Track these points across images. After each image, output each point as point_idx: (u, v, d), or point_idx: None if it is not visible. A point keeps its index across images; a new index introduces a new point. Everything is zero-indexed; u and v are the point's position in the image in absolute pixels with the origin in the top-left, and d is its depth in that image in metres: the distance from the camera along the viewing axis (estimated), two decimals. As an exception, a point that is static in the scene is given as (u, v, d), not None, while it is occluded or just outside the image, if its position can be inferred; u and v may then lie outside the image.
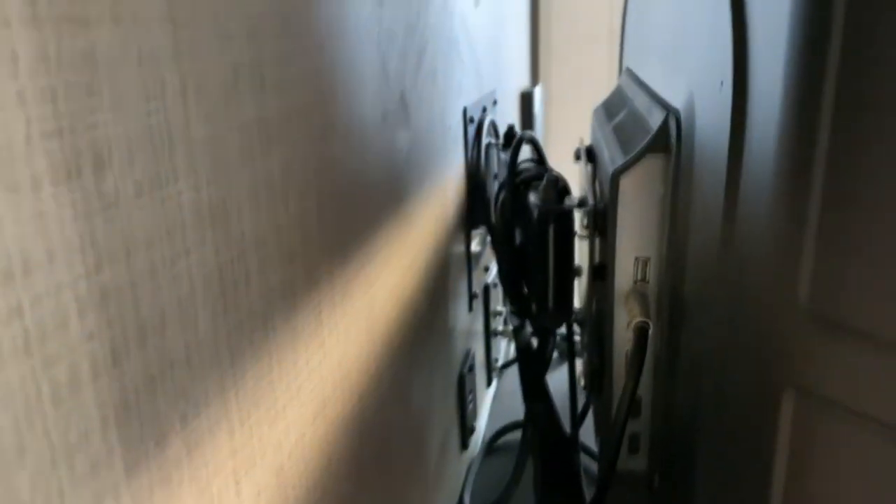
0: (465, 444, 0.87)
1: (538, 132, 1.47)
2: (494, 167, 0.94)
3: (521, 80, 1.46)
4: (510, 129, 0.94)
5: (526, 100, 1.39)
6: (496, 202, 0.80)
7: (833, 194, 0.27)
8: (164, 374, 0.25)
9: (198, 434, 0.27)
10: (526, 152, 0.83)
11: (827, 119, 0.26)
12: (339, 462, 0.43)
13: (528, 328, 0.81)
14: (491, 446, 0.94)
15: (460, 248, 0.84)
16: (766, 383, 0.31)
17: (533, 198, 0.68)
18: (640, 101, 0.61)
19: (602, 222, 0.55)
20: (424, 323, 0.66)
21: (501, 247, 0.79)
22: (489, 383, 1.06)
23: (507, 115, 1.23)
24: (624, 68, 0.84)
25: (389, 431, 0.54)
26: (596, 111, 0.80)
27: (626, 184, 0.51)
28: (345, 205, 0.43)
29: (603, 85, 1.65)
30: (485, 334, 1.00)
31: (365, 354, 0.48)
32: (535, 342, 0.81)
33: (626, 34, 0.84)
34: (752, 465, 0.33)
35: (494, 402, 1.06)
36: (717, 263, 0.37)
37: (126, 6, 0.22)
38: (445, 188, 0.74)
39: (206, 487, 0.28)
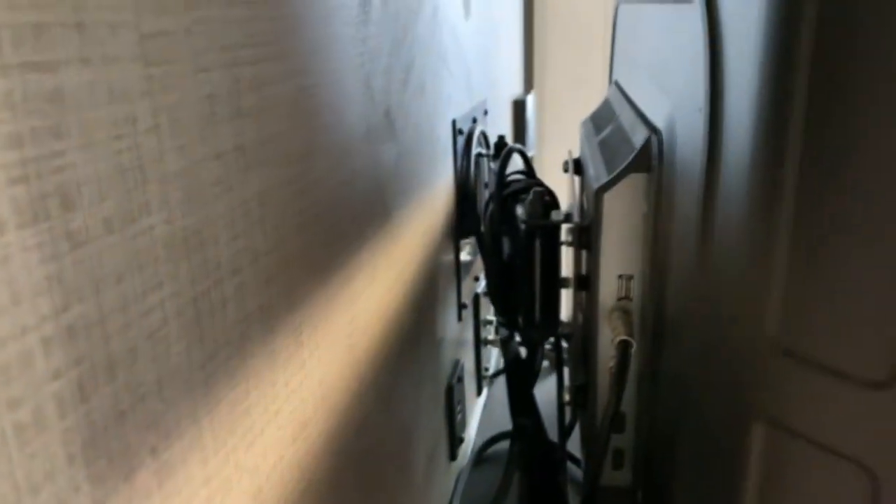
0: (453, 455, 0.87)
1: (531, 139, 1.47)
2: (485, 177, 0.94)
3: (514, 88, 1.46)
4: (500, 140, 0.94)
5: (519, 107, 1.40)
6: (485, 213, 0.80)
7: (800, 231, 0.27)
8: (134, 407, 0.25)
9: (169, 465, 0.27)
10: (518, 163, 0.83)
11: (795, 157, 0.27)
12: (319, 481, 0.43)
13: (517, 339, 0.81)
14: (480, 456, 0.94)
15: (449, 257, 0.84)
16: (737, 411, 0.31)
17: (520, 212, 0.69)
18: (626, 118, 0.61)
19: (587, 238, 0.56)
20: (411, 336, 0.66)
21: (490, 258, 0.80)
22: (479, 392, 1.06)
23: (500, 124, 1.23)
24: (612, 81, 0.84)
25: (374, 446, 0.55)
26: (584, 123, 0.80)
27: (610, 201, 0.51)
28: (327, 223, 0.44)
29: (598, 90, 1.66)
30: (475, 344, 1.00)
31: (348, 372, 0.48)
32: (523, 352, 0.81)
33: (616, 48, 0.85)
34: (725, 490, 0.33)
35: (484, 412, 1.06)
36: (693, 287, 0.37)
37: (94, 48, 0.22)
38: (434, 200, 0.75)
39: (180, 516, 0.28)
